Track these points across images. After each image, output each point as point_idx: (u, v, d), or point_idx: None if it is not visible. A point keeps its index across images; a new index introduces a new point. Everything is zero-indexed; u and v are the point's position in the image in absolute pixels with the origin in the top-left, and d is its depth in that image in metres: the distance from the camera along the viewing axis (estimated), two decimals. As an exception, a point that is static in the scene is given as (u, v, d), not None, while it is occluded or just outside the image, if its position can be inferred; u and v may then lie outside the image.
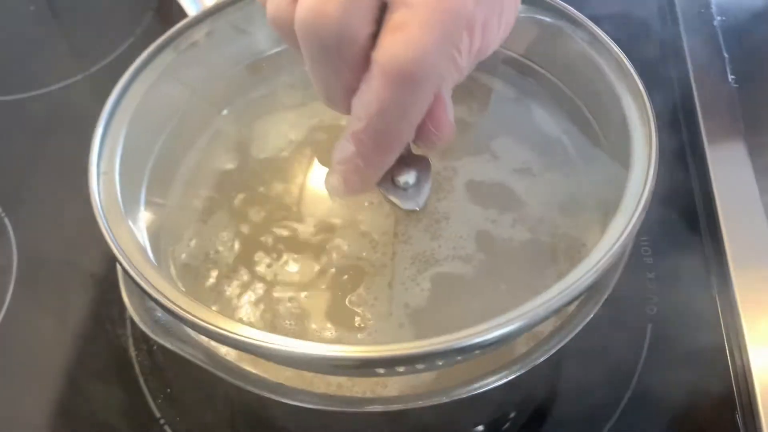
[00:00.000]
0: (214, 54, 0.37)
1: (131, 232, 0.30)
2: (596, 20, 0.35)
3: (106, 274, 0.44)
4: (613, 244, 0.27)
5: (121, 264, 0.28)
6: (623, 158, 0.31)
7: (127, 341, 0.42)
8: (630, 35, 0.54)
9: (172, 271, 0.33)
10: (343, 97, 0.25)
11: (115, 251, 0.28)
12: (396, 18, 0.22)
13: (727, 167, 0.46)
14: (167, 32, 0.36)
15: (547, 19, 0.35)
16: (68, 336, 0.43)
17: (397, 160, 0.27)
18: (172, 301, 0.27)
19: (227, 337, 0.26)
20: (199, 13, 0.36)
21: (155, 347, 0.41)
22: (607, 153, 0.34)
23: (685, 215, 0.45)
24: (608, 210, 0.30)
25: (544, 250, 0.33)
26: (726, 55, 0.52)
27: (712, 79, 0.51)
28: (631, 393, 0.39)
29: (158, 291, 0.27)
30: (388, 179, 0.30)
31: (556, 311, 0.26)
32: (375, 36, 0.23)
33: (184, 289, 0.32)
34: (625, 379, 0.39)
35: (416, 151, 0.30)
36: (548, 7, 0.35)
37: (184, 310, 0.26)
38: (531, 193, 0.34)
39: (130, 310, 0.32)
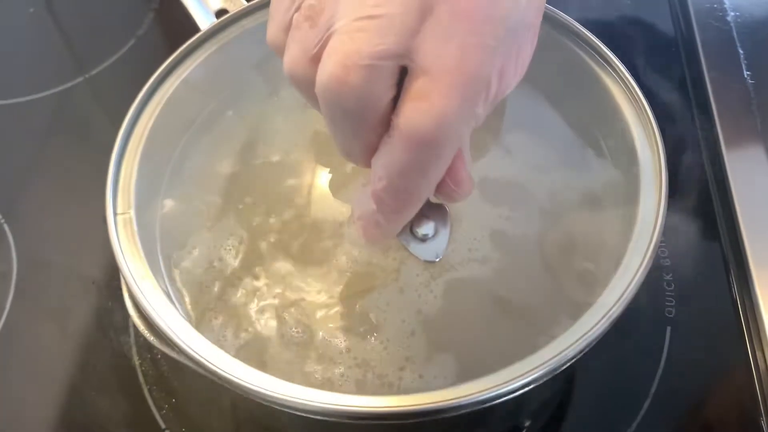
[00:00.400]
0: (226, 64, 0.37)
1: (136, 243, 0.30)
2: (608, 21, 0.34)
3: (109, 280, 0.43)
4: (625, 289, 0.28)
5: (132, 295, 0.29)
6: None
7: (131, 350, 0.41)
8: (642, 34, 0.54)
9: (178, 279, 0.32)
10: (362, 154, 0.25)
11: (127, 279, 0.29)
12: (417, 86, 0.22)
13: (745, 165, 0.45)
14: (172, 57, 0.36)
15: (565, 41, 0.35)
16: (70, 344, 0.42)
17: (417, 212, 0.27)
18: (185, 342, 0.28)
19: (231, 382, 0.27)
20: (208, 29, 0.37)
21: (159, 356, 0.40)
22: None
23: (702, 215, 0.44)
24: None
25: (560, 249, 0.32)
26: (741, 51, 0.51)
27: (727, 76, 0.50)
28: (651, 399, 0.37)
29: (169, 327, 0.28)
30: (407, 231, 0.30)
31: (572, 359, 0.27)
32: (396, 98, 0.23)
33: (188, 299, 0.32)
34: (644, 385, 0.38)
35: (433, 200, 0.30)
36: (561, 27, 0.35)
37: (195, 352, 0.27)
38: (544, 192, 0.34)
39: (134, 318, 0.31)
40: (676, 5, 0.55)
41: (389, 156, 0.24)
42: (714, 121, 0.47)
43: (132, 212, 0.31)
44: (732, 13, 0.53)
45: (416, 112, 0.22)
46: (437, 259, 0.30)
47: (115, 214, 0.31)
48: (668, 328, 0.40)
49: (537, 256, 0.32)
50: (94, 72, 0.54)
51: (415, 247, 0.30)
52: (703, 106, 0.48)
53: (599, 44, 0.34)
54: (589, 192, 0.33)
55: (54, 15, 0.59)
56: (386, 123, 0.23)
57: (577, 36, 0.35)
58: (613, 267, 0.29)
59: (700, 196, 0.45)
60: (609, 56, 0.34)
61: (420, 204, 0.26)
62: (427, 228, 0.30)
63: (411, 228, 0.30)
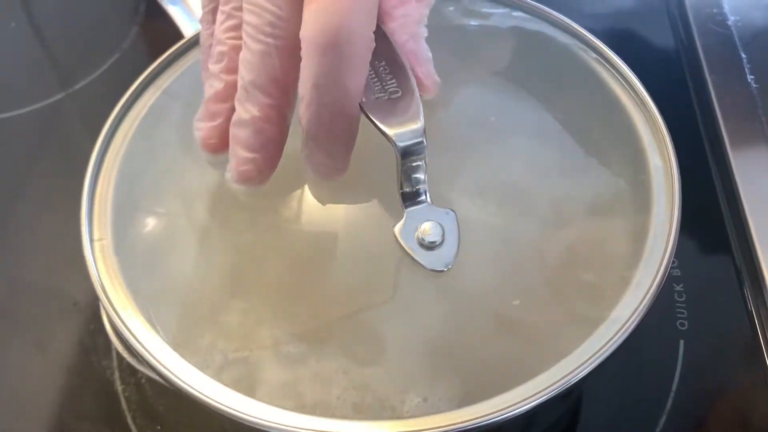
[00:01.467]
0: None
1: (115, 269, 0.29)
2: (607, 30, 0.33)
3: (90, 301, 0.41)
4: (639, 305, 0.26)
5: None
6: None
7: (113, 374, 0.39)
8: (640, 42, 0.53)
9: (160, 301, 0.30)
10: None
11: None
12: None
13: (753, 171, 0.44)
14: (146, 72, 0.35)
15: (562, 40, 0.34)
16: (49, 368, 0.40)
17: (420, 217, 0.27)
18: (168, 369, 0.26)
19: (218, 408, 0.25)
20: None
21: (143, 380, 0.38)
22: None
23: (712, 223, 0.42)
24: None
25: (567, 262, 0.30)
26: (743, 55, 0.49)
27: (730, 81, 0.48)
28: (667, 416, 0.35)
29: (151, 354, 0.27)
30: (413, 239, 0.28)
31: (583, 378, 0.25)
32: None
33: (172, 322, 0.30)
34: (658, 403, 0.36)
35: (439, 205, 0.28)
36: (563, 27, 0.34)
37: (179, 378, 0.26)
38: (548, 202, 0.31)
39: (115, 343, 0.29)
40: (675, 14, 0.54)
41: (303, 72, 0.25)
42: (720, 128, 0.46)
43: (109, 237, 0.30)
44: (732, 18, 0.52)
45: (310, 15, 0.24)
46: (446, 269, 0.28)
47: (91, 240, 0.30)
48: (681, 342, 0.38)
49: (543, 269, 0.30)
50: (77, 87, 0.52)
51: (422, 256, 0.28)
52: (707, 113, 0.47)
53: (603, 47, 0.33)
54: (595, 202, 0.31)
55: (36, 29, 0.57)
56: None
57: (580, 39, 0.34)
58: (623, 281, 0.28)
59: (708, 202, 0.43)
60: (615, 60, 0.33)
61: (351, 123, 0.27)
62: (434, 234, 0.28)
63: (418, 237, 0.28)
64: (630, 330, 0.26)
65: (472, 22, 0.36)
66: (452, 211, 0.28)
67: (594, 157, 0.32)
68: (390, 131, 0.27)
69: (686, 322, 0.38)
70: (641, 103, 0.32)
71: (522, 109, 0.34)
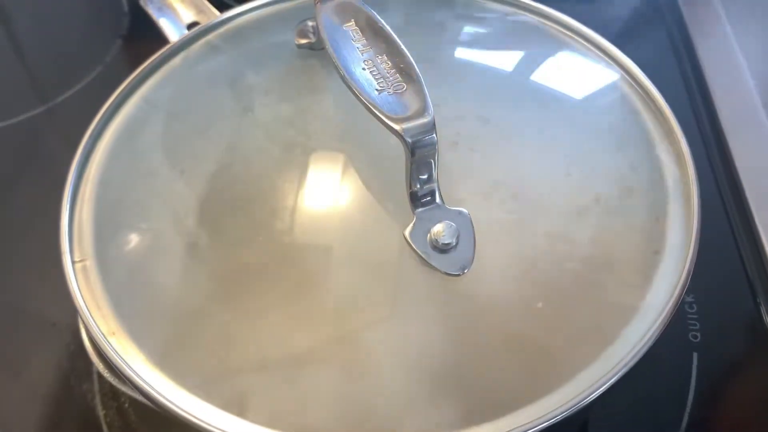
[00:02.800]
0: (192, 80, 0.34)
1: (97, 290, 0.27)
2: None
3: (69, 322, 0.39)
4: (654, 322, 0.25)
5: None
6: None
7: (94, 399, 0.36)
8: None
9: (145, 319, 0.28)
10: None
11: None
12: None
13: (759, 172, 0.42)
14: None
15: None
16: (26, 393, 0.37)
17: (432, 219, 0.26)
18: (153, 388, 0.25)
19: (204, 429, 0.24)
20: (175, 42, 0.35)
21: (126, 404, 0.36)
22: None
23: (720, 228, 0.41)
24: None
25: (577, 274, 0.28)
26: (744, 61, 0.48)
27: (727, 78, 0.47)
28: (683, 434, 0.33)
29: (136, 373, 0.25)
30: (426, 242, 0.26)
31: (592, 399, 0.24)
32: None
33: (157, 340, 0.27)
34: (674, 420, 0.34)
35: (451, 205, 0.27)
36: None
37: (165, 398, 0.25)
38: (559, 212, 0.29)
39: (97, 363, 0.27)
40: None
41: None
42: (721, 130, 0.45)
43: (91, 254, 0.28)
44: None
45: None
46: (464, 272, 0.26)
47: (72, 259, 0.28)
48: (695, 355, 0.36)
49: (551, 283, 0.28)
50: (58, 100, 0.50)
51: (437, 260, 0.26)
52: (711, 121, 0.46)
53: (615, 50, 0.33)
54: (608, 212, 0.29)
55: (15, 42, 0.55)
56: None
57: (591, 42, 0.33)
58: (636, 295, 0.26)
59: (716, 208, 0.42)
60: (626, 62, 0.32)
61: None
62: (448, 236, 0.26)
63: (431, 240, 0.26)
64: (647, 347, 0.25)
65: (480, 16, 0.35)
66: (465, 211, 0.26)
67: (608, 165, 0.31)
68: (397, 126, 0.25)
69: (698, 334, 0.37)
70: (654, 106, 0.31)
71: (529, 110, 0.32)
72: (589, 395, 0.23)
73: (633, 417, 0.34)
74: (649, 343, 0.24)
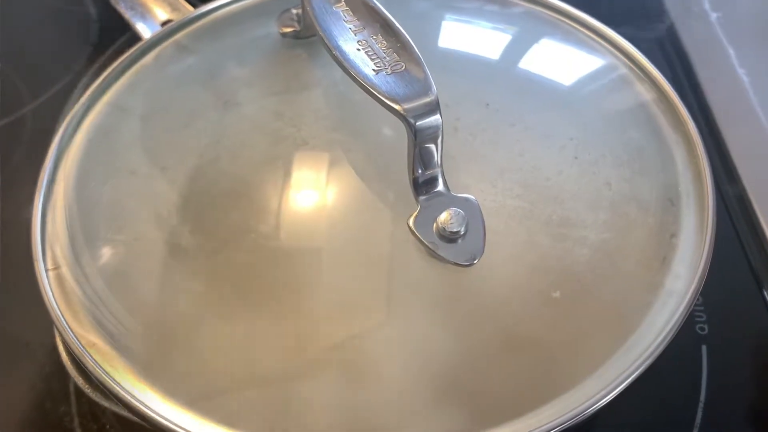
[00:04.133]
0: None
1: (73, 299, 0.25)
2: None
3: (44, 341, 0.36)
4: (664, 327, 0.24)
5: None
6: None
7: (73, 421, 0.34)
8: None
9: (125, 327, 0.26)
10: None
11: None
12: None
13: (756, 164, 0.42)
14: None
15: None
16: (-2, 420, 0.35)
17: (438, 207, 0.24)
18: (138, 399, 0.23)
19: None
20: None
21: (108, 426, 0.33)
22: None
23: (719, 217, 0.39)
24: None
25: (582, 278, 0.26)
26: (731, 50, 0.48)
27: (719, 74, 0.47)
28: (699, 430, 0.32)
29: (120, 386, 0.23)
30: (432, 231, 0.25)
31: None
32: None
33: (139, 349, 0.25)
34: (687, 416, 0.32)
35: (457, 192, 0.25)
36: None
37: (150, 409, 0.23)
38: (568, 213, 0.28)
39: (75, 376, 0.26)
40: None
41: None
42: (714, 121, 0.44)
43: (67, 264, 0.27)
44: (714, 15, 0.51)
45: None
46: (475, 261, 0.25)
47: (46, 270, 0.26)
48: (704, 347, 0.35)
49: (566, 271, 0.26)
50: (24, 111, 0.48)
51: (445, 250, 0.24)
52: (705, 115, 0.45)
53: (611, 32, 0.31)
54: (620, 196, 0.28)
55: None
56: None
57: (586, 25, 0.32)
58: (656, 281, 0.25)
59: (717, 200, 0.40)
60: (624, 44, 0.31)
61: None
62: (456, 224, 0.24)
63: (435, 226, 0.24)
64: (657, 353, 0.23)
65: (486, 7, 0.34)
66: (472, 197, 0.25)
67: (615, 146, 0.29)
68: (399, 107, 0.23)
69: (706, 326, 0.35)
70: (655, 87, 0.30)
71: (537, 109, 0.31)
72: (615, 388, 0.22)
73: (646, 415, 0.33)
74: (674, 330, 0.23)
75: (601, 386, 0.22)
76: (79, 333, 0.24)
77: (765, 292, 0.37)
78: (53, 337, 0.33)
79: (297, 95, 0.30)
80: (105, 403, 0.25)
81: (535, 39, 0.32)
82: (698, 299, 0.35)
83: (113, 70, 0.32)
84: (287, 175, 0.28)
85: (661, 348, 0.22)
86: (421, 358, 0.24)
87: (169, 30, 0.34)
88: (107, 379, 0.23)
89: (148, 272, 0.27)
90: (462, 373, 0.24)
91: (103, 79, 0.32)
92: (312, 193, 0.28)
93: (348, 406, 0.24)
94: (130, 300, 0.26)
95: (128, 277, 0.27)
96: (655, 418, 0.33)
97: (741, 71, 0.46)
